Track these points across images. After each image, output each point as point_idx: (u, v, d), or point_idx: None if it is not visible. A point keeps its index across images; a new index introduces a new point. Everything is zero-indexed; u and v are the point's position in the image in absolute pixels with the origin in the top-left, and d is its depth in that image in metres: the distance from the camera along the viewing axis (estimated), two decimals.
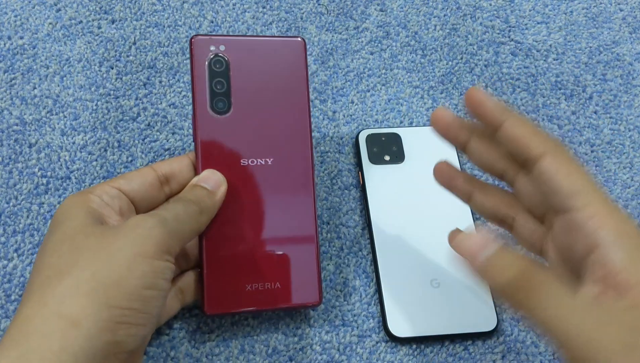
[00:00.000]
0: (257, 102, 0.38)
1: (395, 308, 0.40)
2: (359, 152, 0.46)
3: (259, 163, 0.38)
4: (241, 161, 0.37)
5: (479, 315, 0.40)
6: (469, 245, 0.29)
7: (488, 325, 0.40)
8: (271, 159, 0.38)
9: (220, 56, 0.38)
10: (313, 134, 0.47)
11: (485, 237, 0.28)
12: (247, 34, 0.43)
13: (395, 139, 0.47)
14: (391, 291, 0.40)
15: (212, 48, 0.38)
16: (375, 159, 0.46)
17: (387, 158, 0.46)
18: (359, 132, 0.47)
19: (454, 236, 0.30)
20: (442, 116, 0.34)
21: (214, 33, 0.42)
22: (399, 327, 0.39)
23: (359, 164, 0.46)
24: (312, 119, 0.42)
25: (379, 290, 0.41)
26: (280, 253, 0.38)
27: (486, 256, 0.28)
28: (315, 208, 0.39)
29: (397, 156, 0.46)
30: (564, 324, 0.25)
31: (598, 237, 0.27)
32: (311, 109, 0.45)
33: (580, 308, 0.25)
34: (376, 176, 0.45)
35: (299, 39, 0.39)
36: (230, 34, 0.42)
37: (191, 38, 0.38)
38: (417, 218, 0.43)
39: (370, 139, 0.46)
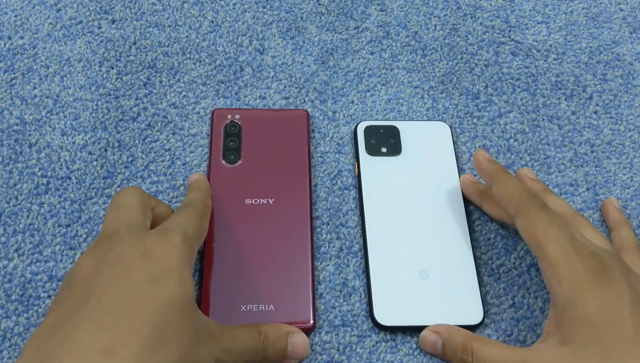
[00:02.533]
0: (263, 157, 0.45)
1: (381, 296, 0.40)
2: (357, 143, 0.46)
3: (261, 202, 0.43)
4: (245, 200, 0.43)
5: (466, 307, 0.40)
6: (428, 345, 0.38)
7: (475, 318, 0.40)
8: (272, 200, 0.43)
9: (235, 122, 0.46)
10: (313, 135, 0.48)
11: (433, 333, 0.38)
12: (261, 109, 0.48)
13: (393, 132, 0.47)
14: (379, 280, 0.41)
15: (229, 116, 0.46)
16: (373, 150, 0.46)
17: (384, 149, 0.46)
18: (358, 124, 0.47)
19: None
20: (466, 182, 0.45)
21: (232, 108, 0.48)
22: (384, 315, 0.40)
23: (356, 155, 0.46)
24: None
25: (367, 277, 0.41)
26: (277, 279, 0.40)
27: (440, 348, 0.38)
28: (312, 240, 0.42)
29: (394, 148, 0.46)
30: None
31: (551, 286, 0.35)
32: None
33: (506, 357, 0.35)
34: (372, 167, 0.45)
35: (303, 111, 0.48)
36: (246, 108, 0.48)
37: (213, 111, 0.47)
38: (410, 210, 0.44)
39: (368, 130, 0.47)
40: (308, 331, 0.39)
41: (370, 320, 0.40)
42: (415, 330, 0.40)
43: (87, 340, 0.28)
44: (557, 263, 0.35)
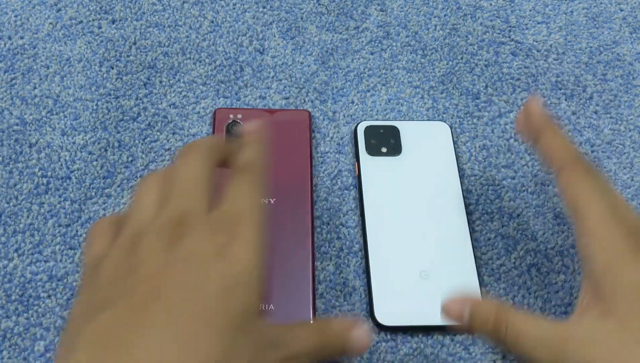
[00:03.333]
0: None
1: (382, 296, 0.40)
2: (357, 143, 0.46)
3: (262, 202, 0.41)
4: None
5: None
6: (452, 313, 0.34)
7: None
8: (273, 200, 0.43)
9: (237, 121, 0.46)
10: (313, 135, 0.48)
11: (460, 301, 0.34)
12: (263, 108, 0.48)
13: (394, 132, 0.47)
14: (379, 280, 0.41)
15: (231, 116, 0.46)
16: (373, 150, 0.46)
17: (384, 149, 0.46)
18: (358, 124, 0.47)
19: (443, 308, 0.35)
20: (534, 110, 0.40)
21: (234, 107, 0.48)
22: (385, 315, 0.40)
23: (356, 155, 0.46)
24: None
25: (367, 277, 0.41)
26: (277, 278, 0.40)
27: (467, 317, 0.34)
28: (313, 240, 0.42)
29: (394, 148, 0.46)
30: (531, 344, 0.31)
31: (588, 251, 0.33)
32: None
33: (545, 332, 0.32)
34: (372, 167, 0.45)
35: (306, 112, 0.48)
36: (248, 108, 0.48)
37: (215, 110, 0.47)
38: (410, 210, 0.44)
39: (368, 130, 0.47)
40: None
41: (370, 320, 0.40)
42: (416, 330, 0.40)
43: (155, 353, 0.25)
44: (597, 229, 0.33)
